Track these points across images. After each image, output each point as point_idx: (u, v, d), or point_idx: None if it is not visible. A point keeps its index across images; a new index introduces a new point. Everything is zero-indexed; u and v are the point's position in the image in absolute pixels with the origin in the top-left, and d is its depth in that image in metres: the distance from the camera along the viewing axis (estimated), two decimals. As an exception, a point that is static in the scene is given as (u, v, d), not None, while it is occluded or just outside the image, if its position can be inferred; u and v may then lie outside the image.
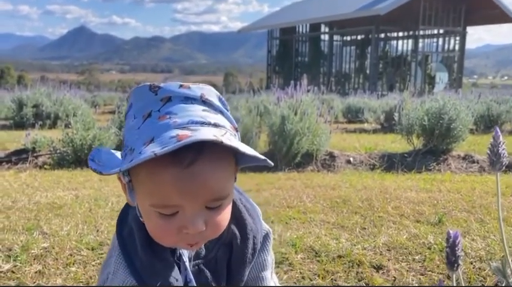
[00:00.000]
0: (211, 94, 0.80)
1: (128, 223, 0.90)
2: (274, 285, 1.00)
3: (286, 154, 4.80)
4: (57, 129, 7.38)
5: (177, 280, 0.86)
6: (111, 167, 0.77)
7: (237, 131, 0.83)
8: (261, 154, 0.79)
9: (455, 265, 0.76)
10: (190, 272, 0.87)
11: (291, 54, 35.94)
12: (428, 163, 4.77)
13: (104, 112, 14.27)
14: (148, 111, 0.75)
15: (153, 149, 0.67)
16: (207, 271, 0.90)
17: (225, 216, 0.80)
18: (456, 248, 0.76)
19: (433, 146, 5.02)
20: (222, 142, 0.68)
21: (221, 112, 0.80)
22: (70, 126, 5.22)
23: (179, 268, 0.87)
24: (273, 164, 0.82)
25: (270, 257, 1.00)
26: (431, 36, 30.27)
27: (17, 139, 5.91)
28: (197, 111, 0.76)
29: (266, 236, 0.99)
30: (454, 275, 0.78)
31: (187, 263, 0.87)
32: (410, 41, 30.69)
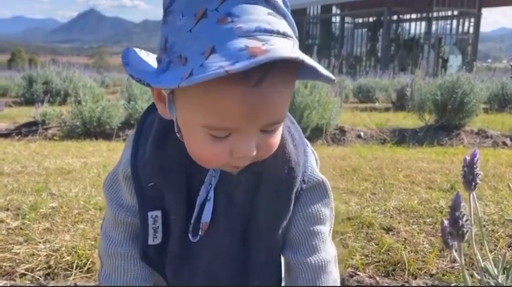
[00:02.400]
0: None
1: (150, 119, 0.82)
2: (329, 248, 0.86)
3: (296, 128, 4.75)
4: (67, 106, 7.40)
5: (186, 187, 0.77)
6: (157, 79, 0.64)
7: (297, 38, 0.69)
8: None
9: (473, 183, 0.72)
10: (213, 189, 0.77)
11: (302, 37, 35.53)
12: (440, 138, 4.69)
13: (114, 92, 14.30)
14: (203, 10, 0.60)
15: (220, 64, 0.55)
16: (221, 194, 0.79)
17: (277, 139, 0.71)
18: (474, 166, 0.72)
19: (446, 122, 4.94)
20: (303, 61, 0.57)
21: (284, 16, 0.65)
22: (79, 100, 5.21)
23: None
24: (335, 79, 0.68)
25: (329, 212, 0.86)
26: (445, 18, 29.69)
27: (27, 114, 5.94)
28: (262, 14, 0.61)
29: (319, 185, 0.85)
30: (471, 195, 0.74)
31: (215, 179, 0.77)
32: (423, 23, 30.16)
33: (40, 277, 1.61)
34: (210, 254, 0.81)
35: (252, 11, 0.60)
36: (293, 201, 0.82)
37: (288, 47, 0.59)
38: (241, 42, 0.57)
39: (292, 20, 0.68)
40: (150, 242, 0.80)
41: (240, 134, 0.65)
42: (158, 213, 0.79)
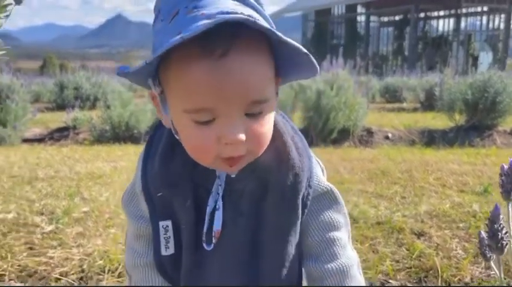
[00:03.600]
0: None
1: (158, 133, 0.83)
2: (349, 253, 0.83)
3: (322, 130, 4.71)
4: (97, 110, 7.57)
5: (194, 197, 0.77)
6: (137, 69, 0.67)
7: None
8: None
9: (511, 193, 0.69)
10: (220, 197, 0.77)
11: (327, 37, 35.28)
12: (471, 139, 4.57)
13: (142, 96, 14.55)
14: (176, 10, 0.66)
15: (179, 37, 0.58)
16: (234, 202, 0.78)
17: (266, 126, 0.70)
18: (514, 176, 0.69)
19: (477, 122, 4.81)
20: (255, 22, 0.59)
21: (254, 8, 0.68)
22: (109, 105, 5.34)
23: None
24: (318, 71, 0.70)
25: (343, 218, 0.84)
26: (475, 14, 28.87)
27: (59, 119, 6.11)
28: (227, 3, 0.65)
29: (328, 192, 0.83)
30: (510, 205, 0.71)
31: (221, 187, 0.77)
32: (451, 20, 29.43)
33: (74, 281, 1.65)
34: (221, 263, 0.80)
35: (218, 2, 0.65)
36: (300, 207, 0.80)
37: (242, 17, 0.60)
38: (201, 22, 0.60)
39: (266, 15, 0.70)
40: (163, 252, 0.80)
41: (224, 118, 0.65)
42: (169, 223, 0.79)
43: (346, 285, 0.79)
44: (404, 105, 9.76)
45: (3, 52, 1.41)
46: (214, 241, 0.76)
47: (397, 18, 32.90)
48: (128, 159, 3.74)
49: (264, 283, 0.81)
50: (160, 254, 0.80)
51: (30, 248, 1.89)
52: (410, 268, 1.70)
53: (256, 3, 0.69)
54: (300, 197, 0.79)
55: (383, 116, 6.84)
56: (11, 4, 1.24)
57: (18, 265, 1.75)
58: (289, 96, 5.19)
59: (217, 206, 0.76)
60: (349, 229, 0.87)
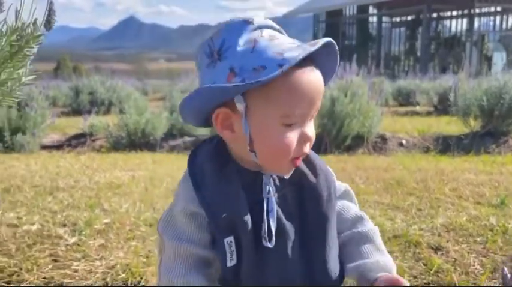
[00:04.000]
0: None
1: (200, 162, 0.91)
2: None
3: (336, 137, 4.73)
4: (111, 115, 7.68)
5: (250, 207, 0.87)
6: (254, 79, 0.79)
7: None
8: None
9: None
10: (274, 201, 0.89)
11: (338, 38, 35.15)
12: (487, 145, 4.54)
13: (154, 99, 14.67)
14: (254, 38, 0.83)
15: (297, 53, 0.78)
16: (278, 207, 0.91)
17: (313, 129, 0.90)
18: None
19: (493, 128, 4.77)
20: (335, 45, 0.86)
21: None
22: (124, 111, 5.42)
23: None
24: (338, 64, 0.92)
25: (359, 211, 1.03)
26: (488, 14, 28.52)
27: (75, 125, 6.22)
28: (284, 37, 0.88)
29: (346, 192, 1.03)
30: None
31: (272, 192, 0.89)
32: (465, 20, 29.11)
33: (99, 294, 1.70)
34: (279, 260, 0.90)
35: (279, 35, 0.87)
36: (335, 201, 0.96)
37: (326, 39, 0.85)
38: (295, 46, 0.82)
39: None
40: (228, 264, 0.87)
41: (303, 122, 0.84)
42: (231, 238, 0.87)
43: (376, 239, 0.96)
44: (418, 108, 9.70)
45: (34, 76, 1.47)
46: (274, 238, 0.87)
47: (409, 18, 32.66)
48: (145, 168, 3.80)
49: (316, 272, 0.93)
50: (226, 266, 0.87)
51: (55, 260, 1.93)
52: (429, 283, 1.72)
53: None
54: (333, 193, 0.95)
55: (396, 121, 6.82)
56: (43, 34, 1.30)
57: (44, 278, 1.80)
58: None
59: (270, 208, 0.89)
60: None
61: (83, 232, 2.19)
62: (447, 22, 31.17)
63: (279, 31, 0.88)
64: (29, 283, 1.74)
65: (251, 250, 0.88)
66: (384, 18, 34.29)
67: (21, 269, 1.81)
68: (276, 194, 0.90)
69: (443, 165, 3.67)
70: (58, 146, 5.44)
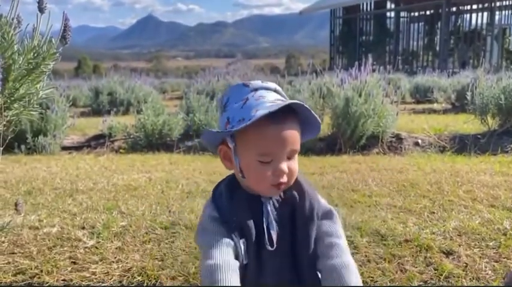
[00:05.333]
0: (278, 87, 1.19)
1: (220, 188, 1.20)
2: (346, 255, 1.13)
3: (351, 137, 4.72)
4: (130, 115, 7.80)
5: (253, 220, 1.12)
6: (233, 128, 1.08)
7: None
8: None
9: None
10: (272, 216, 1.15)
11: (355, 34, 34.81)
12: (504, 145, 4.47)
13: (172, 98, 14.84)
14: (246, 97, 1.12)
15: (263, 111, 1.02)
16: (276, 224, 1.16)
17: (296, 166, 1.14)
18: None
19: (511, 127, 4.70)
20: (303, 104, 1.07)
21: (284, 96, 1.18)
22: (141, 112, 5.51)
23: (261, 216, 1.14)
24: (320, 130, 1.17)
25: (341, 229, 1.20)
26: (510, 7, 27.84)
27: (95, 125, 6.35)
28: (275, 95, 1.14)
29: (329, 212, 1.21)
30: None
31: (269, 209, 1.15)
32: (485, 13, 28.47)
33: (115, 297, 1.76)
34: (277, 262, 1.15)
35: (270, 94, 1.14)
36: (316, 220, 1.17)
37: (294, 101, 1.08)
38: (269, 104, 1.07)
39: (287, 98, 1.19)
40: (244, 262, 1.10)
41: (277, 159, 1.09)
42: (244, 240, 1.12)
43: (349, 275, 1.08)
44: (435, 105, 9.57)
45: (52, 90, 1.53)
46: (275, 242, 1.13)
47: (427, 12, 32.12)
48: (162, 169, 3.87)
49: (304, 276, 1.17)
50: (241, 264, 1.09)
51: (74, 263, 2.00)
52: (438, 289, 1.72)
53: (285, 96, 1.18)
54: (315, 212, 1.18)
55: (413, 119, 6.75)
56: (58, 52, 1.35)
57: (63, 280, 1.87)
58: (317, 104, 5.23)
59: (269, 221, 1.15)
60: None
61: (101, 235, 2.26)
62: (467, 16, 30.54)
63: (274, 90, 1.16)
64: (49, 285, 1.81)
65: (253, 254, 1.12)
66: (402, 13, 33.81)
67: (41, 271, 1.88)
68: (275, 212, 1.17)
69: (459, 166, 3.64)
70: (78, 147, 5.57)
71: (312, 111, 1.11)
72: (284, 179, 1.11)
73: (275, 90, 1.17)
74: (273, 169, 1.10)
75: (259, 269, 1.15)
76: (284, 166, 1.10)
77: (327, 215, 1.22)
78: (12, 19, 1.31)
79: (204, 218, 1.17)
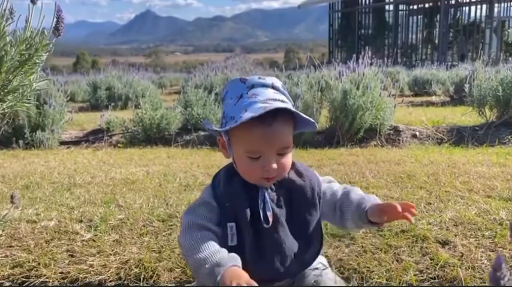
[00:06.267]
0: (278, 83, 1.24)
1: (219, 175, 1.30)
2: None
3: (348, 130, 4.73)
4: (128, 110, 7.80)
5: (249, 202, 1.21)
6: (221, 128, 1.19)
7: (293, 106, 1.23)
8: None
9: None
10: (267, 197, 1.22)
11: (354, 27, 34.72)
12: (502, 136, 4.48)
13: (171, 93, 14.83)
14: (240, 94, 1.19)
15: (248, 115, 1.08)
16: (273, 204, 1.24)
17: (288, 160, 1.21)
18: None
19: (508, 118, 4.70)
20: (289, 109, 1.13)
21: (284, 94, 1.24)
22: (139, 107, 5.51)
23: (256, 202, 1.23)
24: (317, 127, 1.24)
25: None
26: (509, -1, 27.72)
27: (93, 120, 6.35)
28: (270, 93, 1.19)
29: (330, 179, 1.36)
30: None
31: (267, 196, 1.23)
32: (484, 6, 28.37)
33: (113, 289, 1.77)
34: (273, 238, 1.23)
35: (265, 92, 1.19)
36: (317, 202, 1.28)
37: (282, 105, 1.14)
38: (259, 105, 1.13)
39: (289, 96, 1.26)
40: (229, 244, 1.19)
41: (266, 156, 1.16)
42: (233, 224, 1.21)
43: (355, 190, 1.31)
44: (434, 98, 9.57)
45: (46, 81, 1.53)
46: (270, 220, 1.21)
47: (426, 5, 32.00)
48: (159, 163, 3.87)
49: (302, 247, 1.27)
50: (227, 245, 1.18)
51: (71, 256, 2.01)
52: (434, 278, 1.73)
53: (284, 90, 1.25)
54: (316, 194, 1.28)
55: (411, 111, 6.75)
56: (51, 43, 1.35)
57: (61, 272, 1.87)
58: (315, 97, 5.22)
59: (266, 200, 1.22)
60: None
61: (99, 228, 2.27)
62: (466, 8, 30.43)
63: (271, 86, 1.21)
64: (47, 278, 1.82)
65: (250, 233, 1.21)
66: (401, 6, 33.69)
67: (39, 264, 1.89)
68: (273, 194, 1.25)
69: (456, 157, 3.64)
70: (76, 142, 5.57)
71: (302, 115, 1.15)
72: (273, 174, 1.18)
73: (272, 86, 1.21)
74: (262, 165, 1.16)
75: (257, 246, 1.22)
76: (273, 162, 1.16)
77: (327, 181, 1.34)
78: (4, 10, 1.30)
79: (198, 200, 1.26)
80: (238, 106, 1.15)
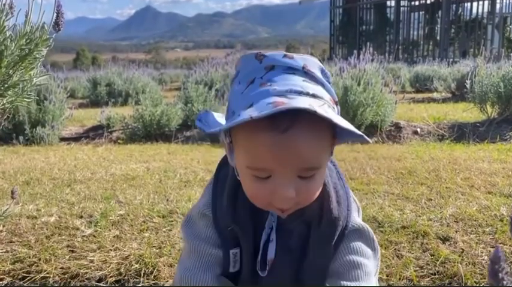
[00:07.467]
0: (314, 66, 0.80)
1: (223, 173, 0.96)
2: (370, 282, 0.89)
3: (349, 126, 4.72)
4: (128, 106, 7.79)
5: (253, 231, 0.92)
6: (213, 127, 0.83)
7: (336, 104, 0.83)
8: None
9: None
10: (275, 239, 0.91)
11: (355, 23, 34.61)
12: (503, 133, 4.47)
13: (171, 89, 14.81)
14: (252, 78, 0.78)
15: (250, 113, 0.69)
16: (281, 243, 0.92)
17: (316, 187, 0.82)
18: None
19: (510, 115, 4.69)
20: (315, 112, 0.68)
21: (322, 84, 0.80)
22: (140, 103, 5.50)
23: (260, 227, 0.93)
24: (370, 141, 0.88)
25: (372, 252, 0.94)
26: (511, -5, 27.60)
27: (93, 116, 6.34)
28: (297, 81, 0.77)
29: (361, 229, 0.94)
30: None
31: (274, 223, 0.91)
32: (486, 2, 28.26)
33: (112, 284, 1.77)
34: (272, 281, 0.95)
35: (289, 78, 0.77)
36: (333, 247, 0.92)
37: (308, 102, 0.71)
38: (272, 99, 0.72)
39: (331, 88, 0.82)
40: (231, 270, 0.95)
41: (278, 177, 0.76)
42: (237, 250, 0.94)
43: None
44: (435, 95, 9.55)
45: (46, 77, 1.52)
46: (267, 268, 0.91)
47: (428, 1, 31.89)
48: (160, 159, 3.87)
49: None
50: (228, 271, 0.95)
51: (72, 251, 2.01)
52: (435, 274, 1.73)
53: (324, 79, 0.81)
54: (335, 240, 0.91)
55: (412, 108, 6.74)
56: (51, 37, 1.34)
57: (61, 268, 1.87)
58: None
59: (271, 238, 0.91)
60: (378, 265, 0.96)
61: (99, 224, 2.27)
62: (467, 4, 30.30)
63: (302, 70, 0.79)
64: (47, 273, 1.82)
65: (250, 267, 0.94)
66: (402, 2, 33.56)
67: (39, 259, 1.89)
68: (285, 226, 0.92)
69: (457, 154, 3.63)
70: (77, 138, 5.57)
71: (340, 122, 0.72)
72: (287, 204, 0.79)
73: (304, 71, 0.79)
74: (272, 190, 0.78)
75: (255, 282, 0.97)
76: (288, 188, 0.77)
77: (356, 232, 0.94)
78: (4, 5, 1.30)
79: (196, 209, 0.97)
80: (245, 96, 0.77)
